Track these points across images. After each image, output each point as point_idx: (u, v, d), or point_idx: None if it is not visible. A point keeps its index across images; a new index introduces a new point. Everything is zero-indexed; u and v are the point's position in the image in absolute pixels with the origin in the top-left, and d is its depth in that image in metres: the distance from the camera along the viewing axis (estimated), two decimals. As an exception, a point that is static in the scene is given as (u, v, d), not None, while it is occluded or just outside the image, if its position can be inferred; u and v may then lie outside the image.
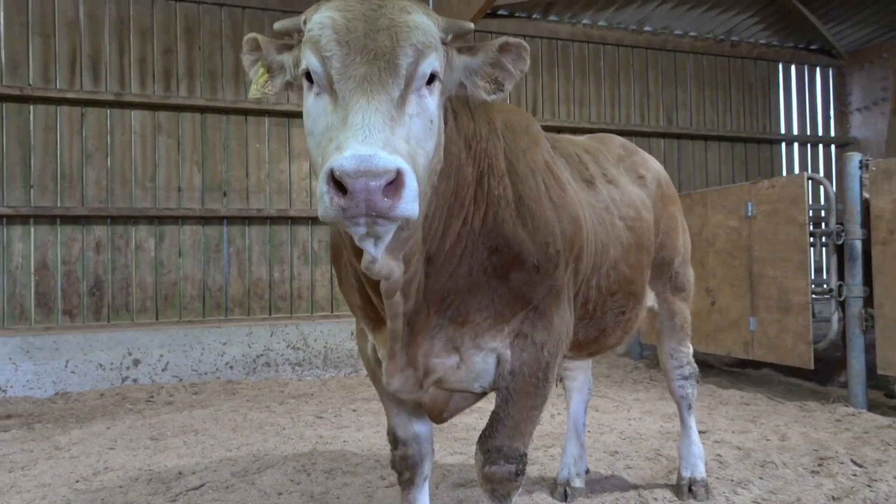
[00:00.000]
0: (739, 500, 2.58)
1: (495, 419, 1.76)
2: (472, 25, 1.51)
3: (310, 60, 1.34)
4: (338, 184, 1.16)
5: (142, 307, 5.26)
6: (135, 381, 4.97)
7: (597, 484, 2.78)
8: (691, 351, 2.68)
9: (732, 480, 2.78)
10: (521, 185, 1.75)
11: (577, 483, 2.67)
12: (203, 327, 5.18)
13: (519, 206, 1.72)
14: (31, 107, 5.04)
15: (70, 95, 5.06)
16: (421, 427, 1.95)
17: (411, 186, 1.19)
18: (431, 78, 1.38)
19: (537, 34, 6.49)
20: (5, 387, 4.57)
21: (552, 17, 6.55)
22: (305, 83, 1.38)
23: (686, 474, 2.62)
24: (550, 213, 1.76)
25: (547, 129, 7.51)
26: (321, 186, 1.17)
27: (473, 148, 1.69)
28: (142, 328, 5.07)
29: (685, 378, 2.65)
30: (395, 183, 1.17)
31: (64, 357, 4.77)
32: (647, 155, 2.68)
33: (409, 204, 1.19)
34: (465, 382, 1.78)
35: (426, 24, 1.37)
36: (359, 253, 1.39)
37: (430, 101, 1.38)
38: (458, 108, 1.67)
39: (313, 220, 5.74)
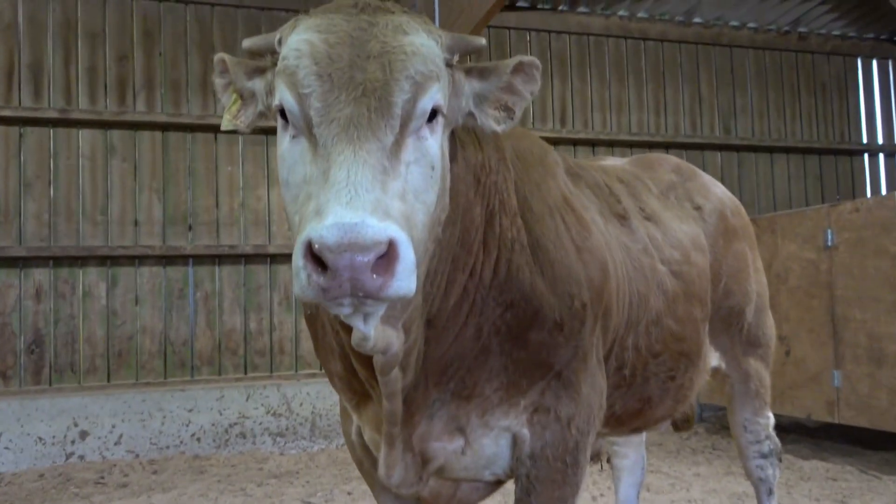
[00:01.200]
0: None
1: None
2: (482, 41, 1.52)
3: (284, 97, 1.33)
4: (317, 258, 1.12)
5: (90, 367, 5.31)
6: (81, 457, 5.00)
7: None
8: (771, 421, 2.65)
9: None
10: (538, 225, 1.74)
11: None
12: (164, 391, 5.22)
13: (536, 251, 1.70)
14: (-40, 127, 5.18)
15: (5, 113, 5.19)
16: None
17: (407, 259, 1.16)
18: (433, 114, 1.35)
19: (564, 29, 6.64)
20: (-75, 468, 4.60)
21: (582, 9, 6.71)
22: (280, 121, 1.37)
23: None
24: (574, 259, 1.75)
25: (579, 142, 7.55)
26: (297, 260, 1.14)
27: (483, 182, 1.69)
28: (90, 393, 5.12)
29: (764, 456, 2.61)
30: (386, 256, 1.14)
31: (-4, 430, 4.82)
32: (708, 179, 2.66)
33: (404, 281, 1.16)
34: (473, 471, 1.74)
35: (427, 47, 1.35)
36: (346, 325, 1.38)
37: (432, 143, 1.36)
38: (463, 135, 1.66)
39: (297, 258, 5.82)
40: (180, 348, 5.50)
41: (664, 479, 4.40)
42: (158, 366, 5.44)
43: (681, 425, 2.74)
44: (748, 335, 2.55)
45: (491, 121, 1.52)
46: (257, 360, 5.66)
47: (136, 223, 5.48)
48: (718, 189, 2.63)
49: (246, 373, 5.61)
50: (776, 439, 2.68)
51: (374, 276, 1.13)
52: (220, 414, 5.27)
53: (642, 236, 2.12)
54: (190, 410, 5.21)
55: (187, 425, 5.19)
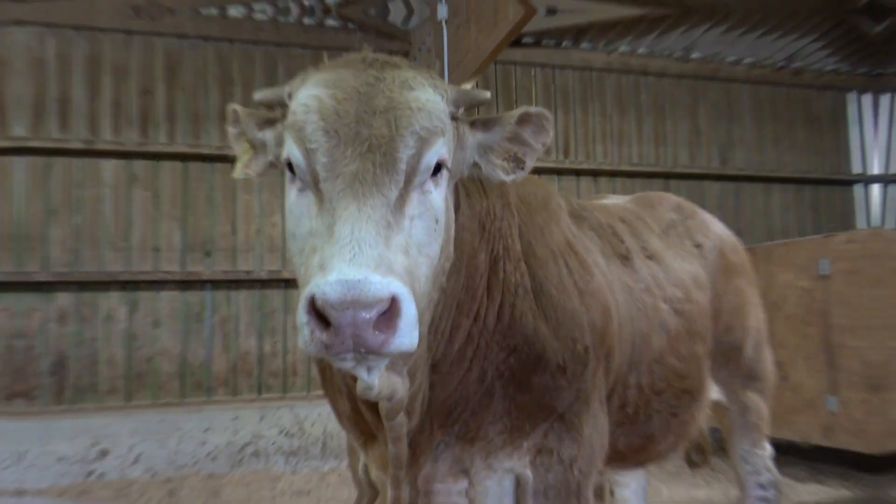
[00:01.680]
0: None
1: None
2: (488, 95, 1.59)
3: (292, 151, 1.37)
4: (320, 314, 1.15)
5: (111, 388, 5.46)
6: (101, 475, 5.13)
7: None
8: (769, 452, 2.72)
9: None
10: (542, 269, 1.78)
11: None
12: (181, 411, 5.36)
13: (539, 295, 1.74)
14: (-7, 158, 5.39)
15: (34, 144, 5.40)
16: None
17: (408, 314, 1.18)
18: (438, 167, 1.39)
19: (568, 64, 6.87)
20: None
21: (584, 45, 6.94)
22: (288, 174, 1.41)
23: None
24: (576, 303, 1.78)
25: (582, 172, 7.73)
26: (301, 315, 1.16)
27: (487, 228, 1.74)
28: (110, 413, 5.26)
29: (763, 487, 2.68)
30: (389, 312, 1.16)
31: (20, 448, 4.95)
32: (707, 217, 2.74)
33: (406, 337, 1.18)
34: None
35: (433, 102, 1.38)
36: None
37: (436, 196, 1.39)
38: (469, 184, 1.71)
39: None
40: (197, 370, 5.65)
41: (665, 502, 4.50)
42: (176, 387, 5.59)
43: (697, 461, 2.80)
44: (747, 369, 2.62)
45: (499, 171, 1.56)
46: (271, 382, 5.81)
47: (156, 250, 5.66)
48: (718, 227, 2.71)
49: (260, 393, 5.75)
50: (775, 471, 2.74)
51: (376, 332, 1.16)
52: (235, 434, 5.41)
53: (645, 276, 2.16)
54: (206, 430, 5.35)
55: (203, 445, 5.33)
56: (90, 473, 5.12)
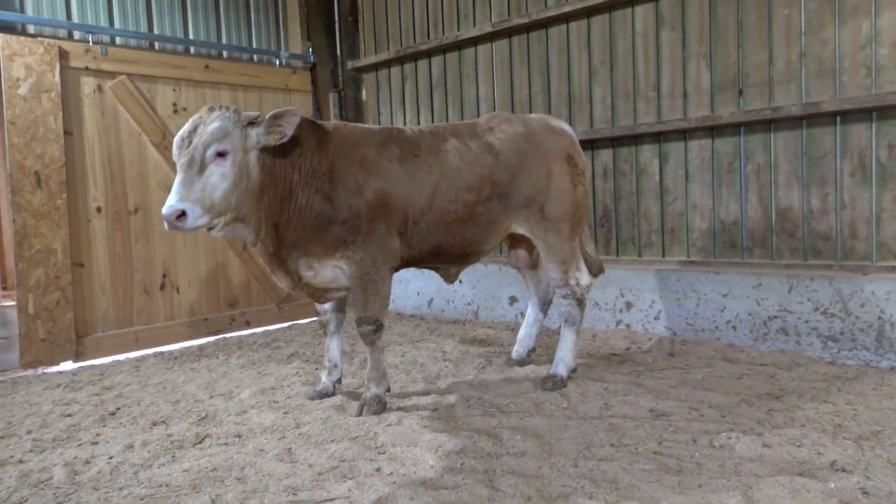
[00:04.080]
0: None
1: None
2: (256, 114, 3.34)
3: None
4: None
5: (647, 242, 5.31)
6: (627, 326, 5.16)
7: None
8: (578, 279, 4.09)
9: None
10: (337, 177, 3.47)
11: None
12: (699, 272, 4.79)
13: (332, 188, 3.45)
14: (547, 31, 5.77)
15: (575, 6, 5.47)
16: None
17: (192, 215, 3.10)
18: (222, 153, 3.19)
19: None
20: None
21: None
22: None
23: None
24: (353, 188, 3.48)
25: None
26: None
27: (297, 163, 3.43)
28: (633, 266, 5.16)
29: (564, 297, 4.08)
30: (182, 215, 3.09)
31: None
32: (514, 122, 4.07)
33: (188, 224, 3.10)
34: (324, 284, 3.64)
35: (216, 126, 3.20)
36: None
37: (222, 167, 3.19)
38: (286, 146, 3.40)
39: (878, 114, 4.23)
40: (730, 227, 4.87)
41: None
42: (708, 244, 4.98)
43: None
44: (543, 214, 3.94)
45: (271, 139, 3.30)
46: (820, 245, 4.49)
47: (684, 95, 5.02)
48: (520, 128, 4.00)
49: (805, 259, 4.54)
50: (578, 290, 4.04)
51: (177, 222, 3.07)
52: (758, 304, 4.49)
53: (429, 162, 3.70)
54: (724, 296, 4.64)
55: (721, 311, 4.65)
56: (619, 323, 5.21)
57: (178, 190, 3.07)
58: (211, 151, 3.15)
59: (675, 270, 4.94)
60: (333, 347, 4.00)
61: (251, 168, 3.29)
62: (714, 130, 4.91)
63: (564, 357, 3.99)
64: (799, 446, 2.87)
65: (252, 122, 3.30)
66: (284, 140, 3.28)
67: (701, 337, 4.76)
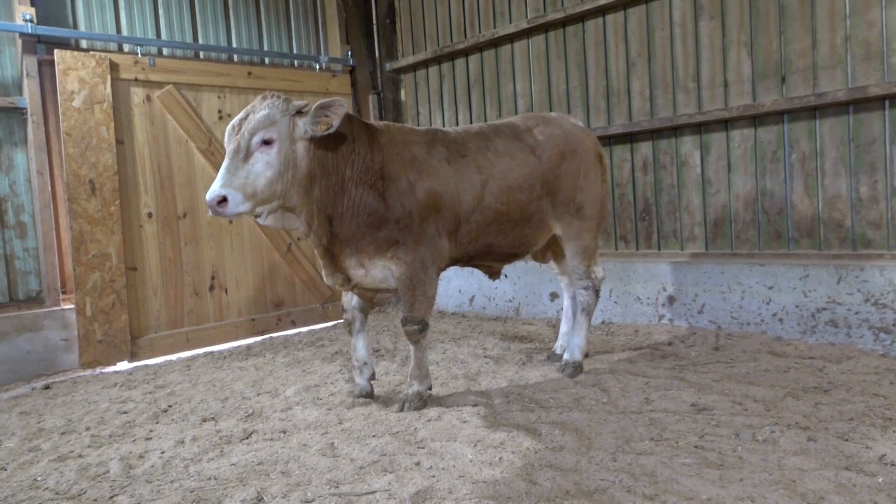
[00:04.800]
0: None
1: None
2: (304, 102, 3.30)
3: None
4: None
5: (689, 235, 5.22)
6: (670, 320, 5.08)
7: None
8: (597, 272, 4.20)
9: None
10: (389, 175, 3.46)
11: None
12: (744, 264, 4.68)
13: (385, 188, 3.44)
14: (584, 24, 5.73)
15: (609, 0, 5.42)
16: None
17: (233, 201, 3.12)
18: (268, 142, 3.20)
19: None
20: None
21: None
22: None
23: None
24: (405, 188, 3.47)
25: None
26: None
27: (351, 159, 3.42)
28: (675, 260, 5.07)
29: (584, 289, 4.23)
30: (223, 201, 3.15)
31: (607, 286, 5.40)
32: (558, 123, 4.14)
33: (229, 210, 3.13)
34: (373, 284, 3.61)
35: (264, 114, 3.21)
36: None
37: (267, 155, 3.20)
38: (351, 140, 3.44)
39: (930, 96, 4.07)
40: (774, 217, 4.75)
41: None
42: (752, 236, 4.87)
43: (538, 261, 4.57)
44: (576, 210, 4.03)
45: (318, 130, 3.26)
46: (870, 234, 4.35)
47: (725, 84, 4.92)
48: (561, 130, 4.05)
49: (855, 249, 4.40)
50: (597, 281, 4.20)
51: (218, 207, 3.09)
52: (805, 296, 4.37)
53: (477, 163, 3.72)
54: (770, 288, 4.53)
55: (767, 304, 4.54)
56: (661, 318, 5.13)
57: (223, 176, 3.08)
58: (257, 139, 3.14)
59: (718, 263, 4.85)
60: (360, 346, 3.94)
61: (299, 158, 3.26)
62: (756, 119, 4.80)
63: (580, 343, 4.17)
64: (846, 440, 2.80)
65: (300, 112, 3.27)
66: (330, 131, 3.23)
67: (746, 331, 4.66)
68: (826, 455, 2.67)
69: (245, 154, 3.13)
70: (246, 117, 3.20)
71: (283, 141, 3.21)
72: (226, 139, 3.23)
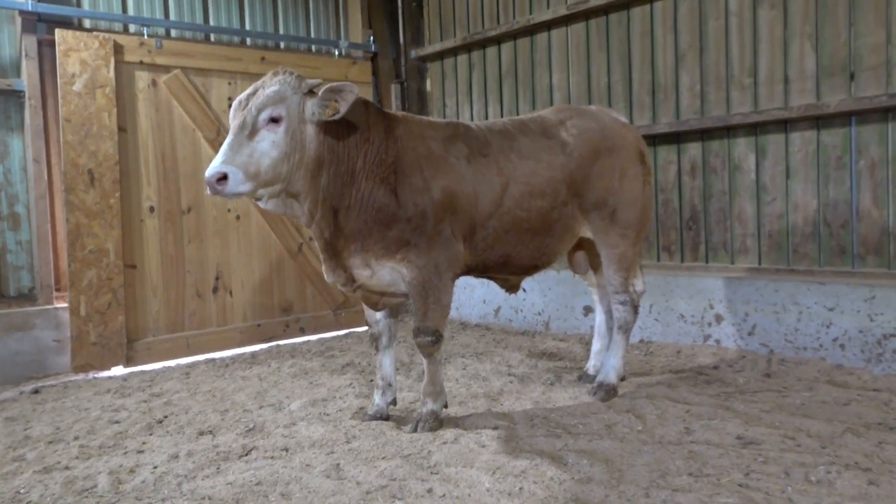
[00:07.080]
0: None
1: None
2: (318, 81, 3.35)
3: None
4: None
5: (741, 247, 5.13)
6: (717, 341, 4.99)
7: None
8: (635, 284, 4.25)
9: None
10: (403, 169, 3.45)
11: None
12: (801, 282, 4.59)
13: (399, 182, 3.43)
14: (629, 12, 5.68)
15: (667, -15, 5.37)
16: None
17: (234, 179, 3.07)
18: (275, 120, 3.20)
19: None
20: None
21: None
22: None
23: None
24: (420, 185, 3.45)
25: None
26: None
27: (363, 149, 3.43)
28: (723, 275, 4.99)
29: (621, 304, 4.18)
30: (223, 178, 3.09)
31: (647, 300, 5.33)
32: (592, 116, 4.12)
33: (229, 189, 3.09)
34: (380, 287, 3.61)
35: (273, 90, 3.24)
36: None
37: (274, 134, 3.21)
38: (351, 128, 3.42)
39: None
40: (838, 231, 4.65)
41: None
42: (812, 251, 4.77)
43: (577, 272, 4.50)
44: (611, 217, 4.00)
45: (325, 114, 3.30)
46: (946, 253, 4.23)
47: (785, 81, 4.83)
48: (594, 124, 4.01)
49: (928, 269, 4.29)
50: (634, 295, 4.20)
51: (217, 185, 3.07)
52: (871, 320, 4.26)
53: (499, 164, 3.70)
54: (831, 310, 4.43)
55: (828, 327, 4.44)
56: (707, 338, 5.05)
57: (225, 152, 3.07)
58: (264, 116, 3.14)
59: (773, 280, 4.75)
60: (387, 364, 3.87)
61: (308, 141, 3.28)
62: (820, 121, 4.71)
63: (616, 364, 4.11)
64: (912, 484, 2.71)
65: (312, 91, 3.29)
66: (336, 117, 3.26)
67: (802, 356, 4.56)
68: (889, 501, 2.59)
69: (251, 131, 3.13)
70: (254, 92, 3.21)
71: (293, 120, 3.22)
72: (231, 114, 3.24)
